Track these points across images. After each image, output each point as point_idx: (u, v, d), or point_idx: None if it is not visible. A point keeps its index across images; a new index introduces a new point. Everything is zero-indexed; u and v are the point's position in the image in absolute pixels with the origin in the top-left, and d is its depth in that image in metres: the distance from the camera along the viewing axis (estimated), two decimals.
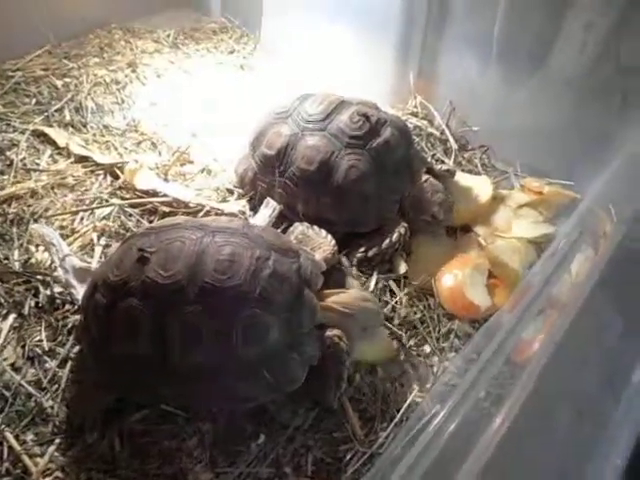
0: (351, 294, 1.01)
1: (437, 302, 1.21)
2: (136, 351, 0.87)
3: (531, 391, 0.84)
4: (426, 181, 1.28)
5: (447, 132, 1.63)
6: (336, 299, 0.98)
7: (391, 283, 1.22)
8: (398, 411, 1.03)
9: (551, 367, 0.92)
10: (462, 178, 1.45)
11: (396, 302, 1.18)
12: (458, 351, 1.14)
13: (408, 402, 1.04)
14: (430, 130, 1.61)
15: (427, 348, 1.13)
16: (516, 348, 1.03)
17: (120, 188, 1.40)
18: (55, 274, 1.14)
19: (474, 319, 1.19)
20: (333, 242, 1.14)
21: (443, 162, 1.50)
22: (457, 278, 1.20)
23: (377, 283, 1.20)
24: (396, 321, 1.15)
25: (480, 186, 1.41)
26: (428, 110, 1.68)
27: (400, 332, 1.12)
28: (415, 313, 1.17)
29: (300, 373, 0.90)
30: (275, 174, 1.27)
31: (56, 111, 1.63)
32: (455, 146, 1.60)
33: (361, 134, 1.23)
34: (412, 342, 1.12)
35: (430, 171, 1.34)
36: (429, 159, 1.50)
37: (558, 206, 1.40)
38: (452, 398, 0.93)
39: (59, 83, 1.73)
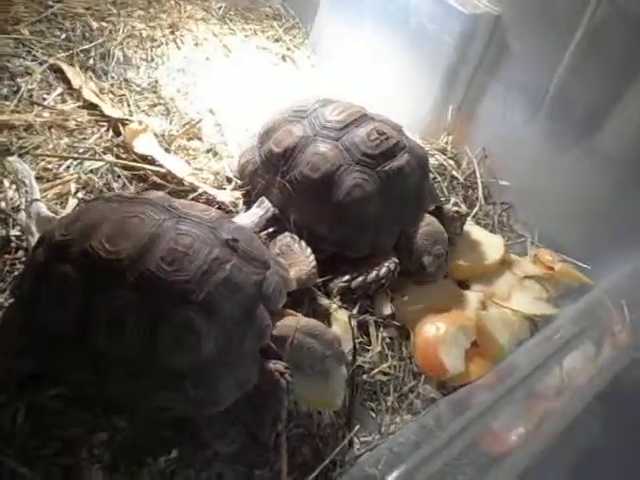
0: (305, 324, 0.89)
1: (410, 352, 1.10)
2: (58, 323, 0.78)
3: None
4: (430, 225, 1.17)
5: (478, 180, 1.52)
6: (284, 324, 0.88)
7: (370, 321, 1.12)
8: (333, 464, 0.92)
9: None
10: (475, 231, 1.35)
11: (366, 345, 1.07)
12: (416, 414, 1.03)
13: (345, 457, 0.94)
14: (455, 173, 1.50)
15: (382, 404, 1.02)
16: (485, 436, 0.94)
17: (118, 146, 1.32)
18: (17, 216, 1.07)
19: (442, 383, 1.08)
20: (313, 263, 1.05)
21: (457, 204, 1.39)
22: (438, 332, 1.09)
23: (354, 318, 1.09)
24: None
25: (491, 245, 1.31)
26: (459, 151, 1.58)
27: (354, 384, 1.01)
28: (381, 362, 1.06)
29: (228, 396, 0.81)
30: (276, 173, 1.18)
31: (82, 52, 1.56)
32: (482, 197, 1.49)
33: (375, 153, 1.13)
34: (365, 395, 1.01)
35: (439, 211, 1.23)
36: (444, 200, 1.40)
37: (566, 287, 1.29)
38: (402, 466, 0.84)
39: (95, 25, 1.67)
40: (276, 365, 0.83)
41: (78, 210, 0.89)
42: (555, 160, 1.42)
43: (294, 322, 0.89)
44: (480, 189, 1.49)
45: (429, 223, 1.18)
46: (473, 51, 1.47)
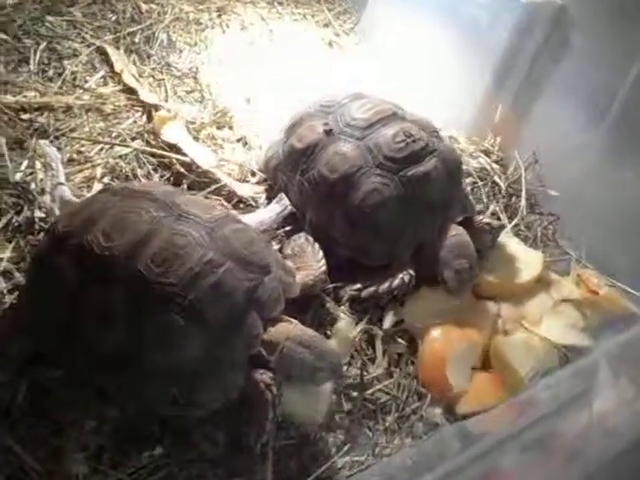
0: (299, 332, 0.85)
1: (417, 369, 1.04)
2: (54, 311, 0.80)
3: None
4: (456, 236, 1.08)
5: (523, 187, 1.39)
6: (277, 330, 0.84)
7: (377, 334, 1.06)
8: None
9: None
10: (512, 244, 1.22)
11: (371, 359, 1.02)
12: (416, 438, 0.97)
13: (333, 475, 0.90)
14: (496, 179, 1.38)
15: (381, 423, 0.96)
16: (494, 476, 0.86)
17: (149, 132, 1.33)
18: (43, 198, 1.10)
19: (449, 409, 1.00)
20: (323, 269, 1.00)
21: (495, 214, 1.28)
22: (448, 346, 1.02)
23: (362, 331, 1.04)
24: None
25: (528, 262, 1.18)
26: (506, 154, 1.45)
27: (345, 402, 0.96)
28: (386, 378, 1.01)
29: (212, 401, 0.79)
30: (296, 171, 1.14)
31: (129, 34, 1.58)
32: (524, 206, 1.36)
33: (399, 157, 1.06)
34: (364, 412, 0.96)
35: (469, 221, 1.13)
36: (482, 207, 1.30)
37: (611, 316, 1.15)
38: None
39: (144, 7, 1.68)
40: (263, 376, 0.80)
41: (83, 202, 0.90)
42: (613, 173, 1.27)
43: (287, 329, 0.85)
44: (523, 198, 1.36)
45: (455, 234, 1.09)
46: (530, 45, 1.34)
